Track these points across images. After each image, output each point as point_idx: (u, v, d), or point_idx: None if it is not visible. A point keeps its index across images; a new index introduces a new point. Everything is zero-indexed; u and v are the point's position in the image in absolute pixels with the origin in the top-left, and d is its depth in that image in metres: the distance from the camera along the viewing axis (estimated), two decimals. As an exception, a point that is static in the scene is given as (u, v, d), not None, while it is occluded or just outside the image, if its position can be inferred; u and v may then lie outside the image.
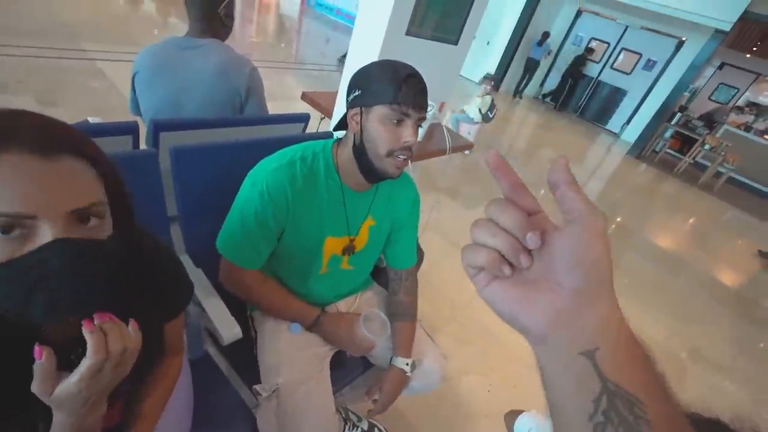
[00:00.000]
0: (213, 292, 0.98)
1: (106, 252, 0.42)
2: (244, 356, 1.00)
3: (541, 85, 9.38)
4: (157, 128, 1.05)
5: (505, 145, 5.55)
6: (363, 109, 0.82)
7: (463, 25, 1.70)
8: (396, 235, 1.07)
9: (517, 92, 8.79)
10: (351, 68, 1.43)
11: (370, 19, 1.50)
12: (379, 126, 0.81)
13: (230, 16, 1.30)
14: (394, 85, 0.78)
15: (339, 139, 0.92)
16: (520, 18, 7.88)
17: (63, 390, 0.39)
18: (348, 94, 0.86)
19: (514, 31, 8.02)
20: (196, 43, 1.25)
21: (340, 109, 1.50)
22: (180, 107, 1.25)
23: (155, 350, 0.66)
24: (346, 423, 1.24)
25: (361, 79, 0.83)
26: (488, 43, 8.41)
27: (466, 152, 4.17)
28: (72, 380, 0.39)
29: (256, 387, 0.89)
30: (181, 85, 1.23)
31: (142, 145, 1.08)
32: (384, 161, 0.83)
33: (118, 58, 3.74)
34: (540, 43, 8.05)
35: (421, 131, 1.61)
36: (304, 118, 1.39)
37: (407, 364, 0.99)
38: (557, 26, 8.70)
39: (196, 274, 0.99)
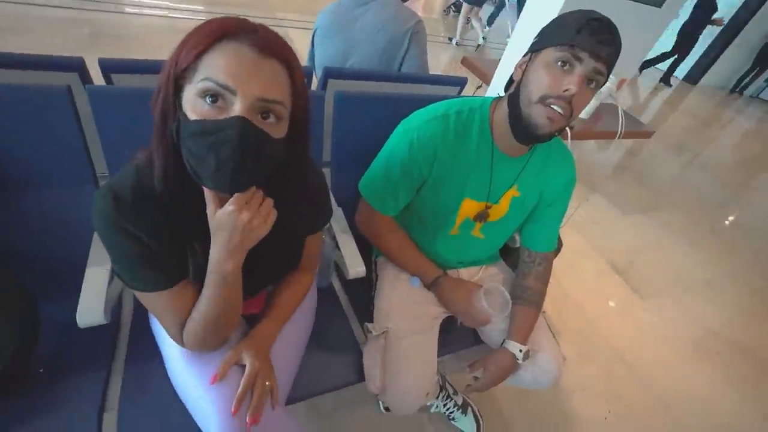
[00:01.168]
0: (348, 230, 1.06)
1: (270, 146, 0.48)
2: (363, 296, 1.07)
3: None
4: (327, 75, 1.16)
5: (692, 148, 4.48)
6: (532, 54, 0.74)
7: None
8: (540, 212, 0.97)
9: (738, 88, 6.98)
10: (523, 30, 1.24)
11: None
12: (541, 69, 0.71)
13: None
14: (572, 27, 0.68)
15: (500, 97, 0.86)
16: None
17: (222, 212, 0.50)
18: None
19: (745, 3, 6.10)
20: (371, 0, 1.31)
21: (500, 76, 1.35)
22: (348, 59, 1.34)
23: (296, 256, 0.75)
24: (441, 391, 1.24)
25: (544, 27, 0.75)
26: (678, 15, 6.68)
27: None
28: (228, 207, 0.50)
29: (368, 324, 0.94)
30: (349, 40, 1.33)
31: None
32: (533, 108, 0.72)
33: (303, 26, 4.27)
34: None
35: (591, 105, 1.37)
36: (461, 82, 1.35)
37: (520, 351, 0.91)
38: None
39: (336, 213, 1.08)
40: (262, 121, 0.47)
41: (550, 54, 0.71)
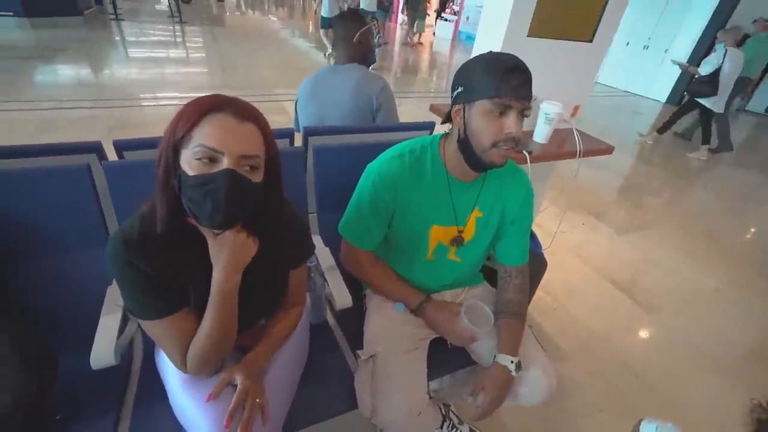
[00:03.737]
0: (335, 267, 1.15)
1: (251, 188, 0.61)
2: (355, 329, 1.13)
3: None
4: (307, 133, 1.32)
5: (691, 165, 4.56)
6: (466, 105, 0.86)
7: (600, 19, 1.53)
8: (506, 230, 1.05)
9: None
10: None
11: (491, 25, 1.50)
12: (481, 120, 0.83)
13: (364, 44, 1.58)
14: (495, 80, 0.80)
15: (446, 134, 0.99)
16: (712, 18, 6.51)
17: (223, 235, 0.64)
18: (452, 91, 0.90)
19: (703, 34, 6.66)
20: (339, 69, 1.56)
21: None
22: (324, 119, 1.54)
23: (282, 291, 0.84)
24: (444, 420, 1.24)
25: (463, 76, 0.87)
26: (666, 51, 7.20)
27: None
28: (227, 232, 0.63)
29: (358, 351, 0.99)
30: (326, 103, 1.53)
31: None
32: (489, 152, 0.85)
33: (299, 98, 4.68)
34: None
35: (545, 131, 1.51)
36: (429, 126, 1.51)
37: (512, 362, 0.93)
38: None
39: (323, 252, 1.18)
40: (244, 170, 0.60)
41: (483, 106, 0.82)
